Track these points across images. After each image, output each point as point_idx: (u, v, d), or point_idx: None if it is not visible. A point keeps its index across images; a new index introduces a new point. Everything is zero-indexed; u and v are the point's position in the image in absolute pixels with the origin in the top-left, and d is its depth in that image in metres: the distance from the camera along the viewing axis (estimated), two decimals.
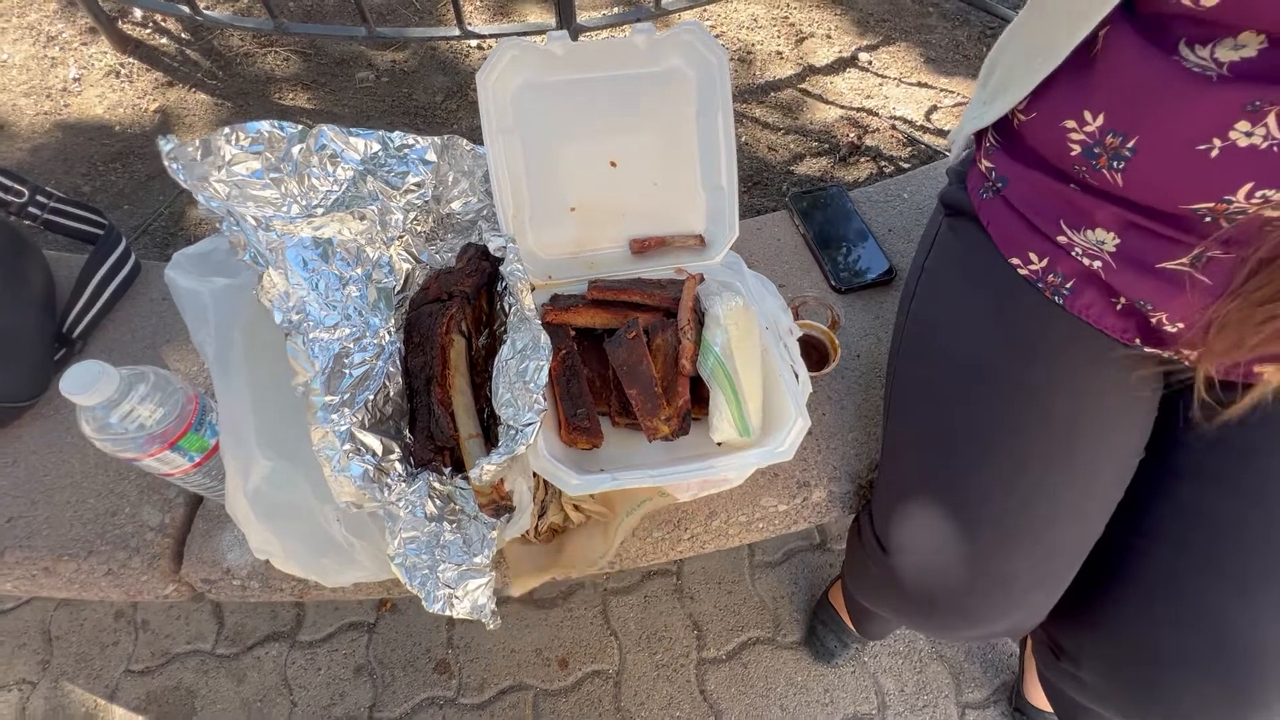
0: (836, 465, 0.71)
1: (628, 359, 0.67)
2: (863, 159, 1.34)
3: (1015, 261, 0.59)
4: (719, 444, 0.66)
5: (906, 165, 1.30)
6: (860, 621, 0.88)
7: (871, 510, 0.67)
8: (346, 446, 0.57)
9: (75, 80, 1.60)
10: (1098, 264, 0.54)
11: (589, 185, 0.75)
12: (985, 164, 0.62)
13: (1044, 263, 0.58)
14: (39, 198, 0.78)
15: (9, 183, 0.76)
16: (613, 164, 0.75)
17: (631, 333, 0.68)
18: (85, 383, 0.47)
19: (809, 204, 0.89)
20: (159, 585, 0.65)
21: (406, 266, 0.74)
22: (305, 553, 0.54)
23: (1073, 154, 0.52)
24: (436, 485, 0.64)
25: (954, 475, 0.58)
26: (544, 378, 0.61)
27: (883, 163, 1.32)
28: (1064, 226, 0.55)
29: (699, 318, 0.69)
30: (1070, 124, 0.51)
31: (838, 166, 1.35)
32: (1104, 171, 0.50)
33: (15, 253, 0.73)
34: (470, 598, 0.58)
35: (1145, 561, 0.58)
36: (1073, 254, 0.56)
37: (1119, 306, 0.55)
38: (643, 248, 0.78)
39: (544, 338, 0.63)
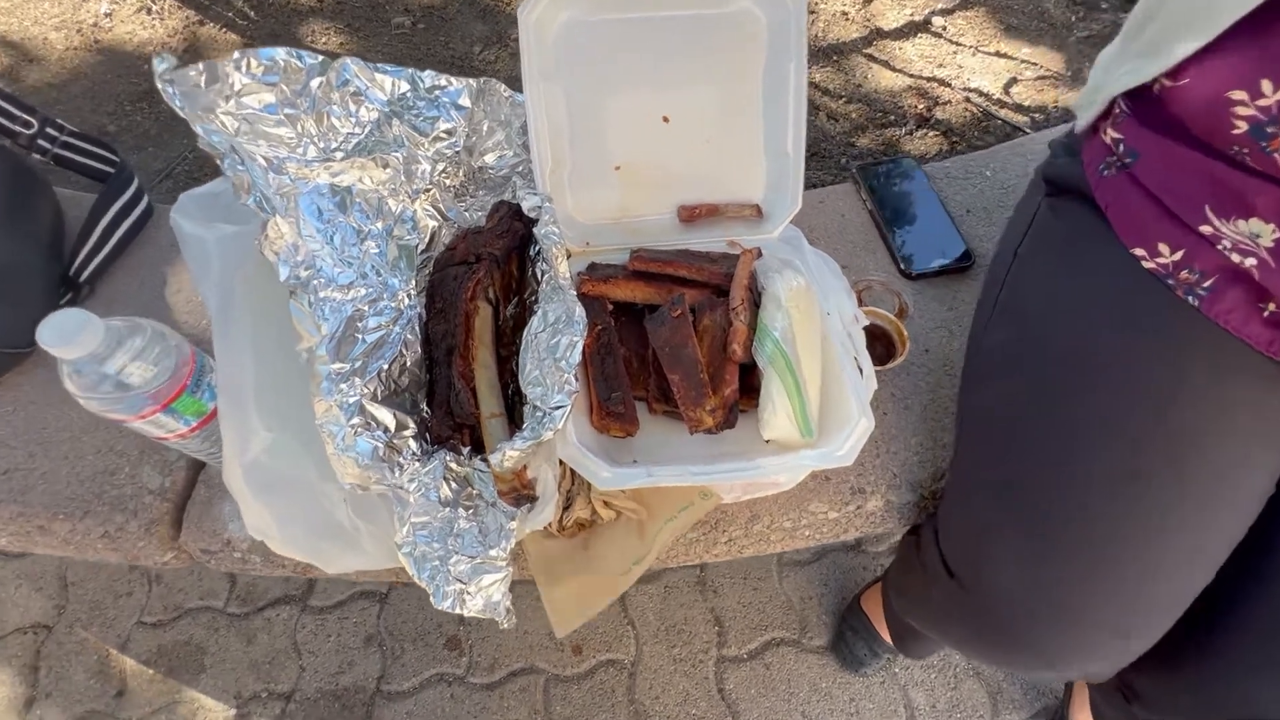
0: (896, 472, 0.63)
1: (671, 339, 0.59)
2: (931, 133, 1.23)
3: (1139, 253, 0.50)
4: (768, 441, 0.59)
5: (980, 143, 1.19)
6: (902, 639, 0.81)
7: (937, 526, 0.60)
8: (355, 420, 0.51)
9: (106, 16, 1.55)
10: (1250, 261, 0.45)
11: (637, 142, 0.67)
12: (1111, 134, 0.53)
13: (1178, 256, 0.48)
14: (49, 130, 0.73)
15: (17, 112, 0.71)
16: (665, 119, 0.67)
17: (676, 310, 0.60)
18: (66, 333, 0.42)
19: (878, 177, 0.80)
20: (156, 552, 0.60)
21: (432, 224, 0.67)
22: (304, 536, 0.49)
23: (1235, 132, 0.42)
24: (453, 466, 0.59)
25: (1044, 494, 0.50)
26: (577, 355, 0.54)
27: (954, 138, 1.20)
28: (1210, 214, 0.46)
29: (754, 297, 0.61)
30: (1239, 95, 0.41)
31: (904, 140, 1.23)
32: (1276, 155, 0.40)
33: (20, 185, 0.68)
34: (484, 594, 0.53)
35: (1257, 608, 0.50)
36: (1218, 247, 0.46)
37: (1267, 313, 0.46)
38: (692, 215, 0.70)
39: (579, 310, 0.56)
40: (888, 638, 0.97)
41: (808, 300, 0.60)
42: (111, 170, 0.74)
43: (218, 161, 0.46)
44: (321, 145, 0.59)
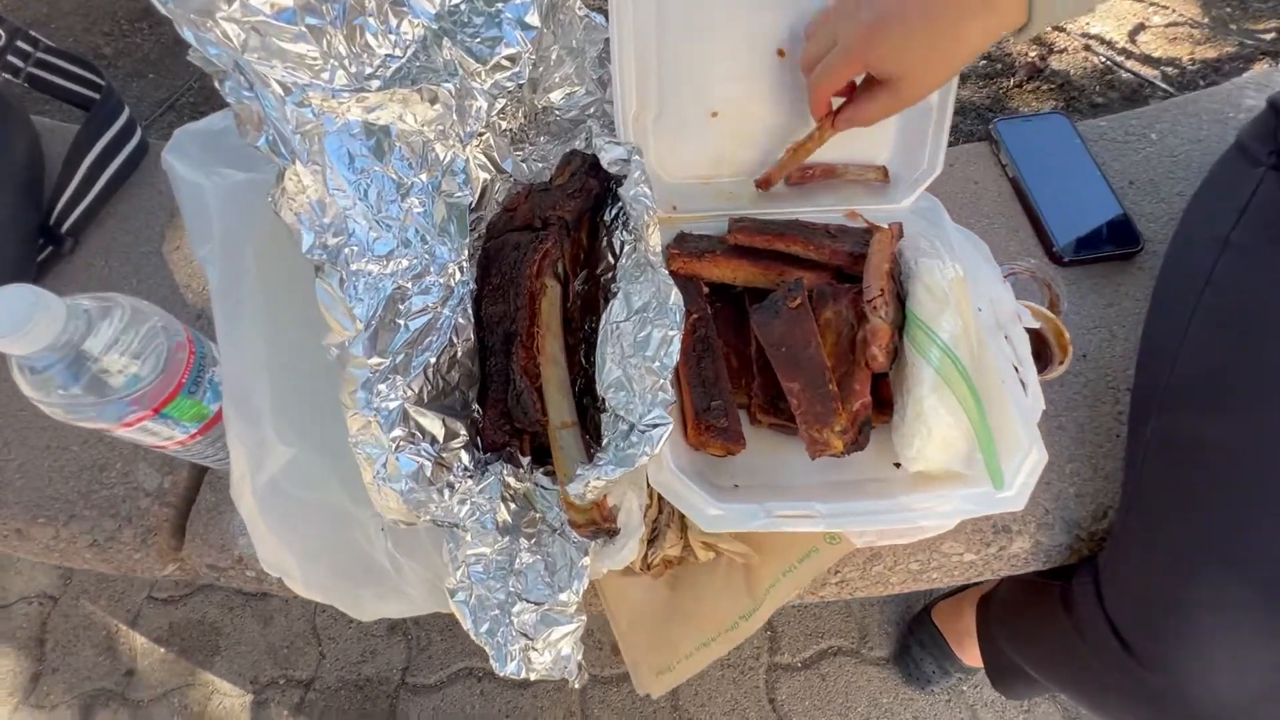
0: (1049, 507, 0.52)
1: (787, 337, 0.47)
2: (1044, 85, 1.06)
3: None
4: (896, 465, 0.48)
5: (1101, 100, 1.02)
6: (1005, 680, 0.71)
7: (1099, 579, 0.48)
8: (396, 433, 0.40)
9: None
10: None
11: (742, 80, 0.54)
12: None
13: None
14: (20, 44, 0.60)
15: None
16: (780, 53, 0.53)
17: (794, 299, 0.48)
18: (12, 318, 0.30)
19: (1023, 136, 0.65)
20: (154, 565, 0.51)
21: (485, 176, 0.54)
22: (332, 577, 0.39)
23: None
24: (512, 481, 0.48)
25: None
26: (675, 355, 0.42)
27: (1071, 93, 1.03)
28: None
29: (896, 288, 0.48)
30: None
31: (1012, 93, 1.07)
32: None
33: None
34: (552, 649, 0.43)
35: None
36: None
37: None
38: (804, 177, 0.57)
39: (675, 295, 0.44)
40: (963, 657, 0.88)
41: (961, 293, 0.47)
42: (96, 96, 0.61)
43: (216, 84, 0.34)
44: (353, 70, 0.45)
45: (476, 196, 0.54)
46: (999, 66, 1.10)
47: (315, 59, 0.44)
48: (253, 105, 0.35)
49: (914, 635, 0.95)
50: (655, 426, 0.40)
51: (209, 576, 0.51)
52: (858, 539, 0.46)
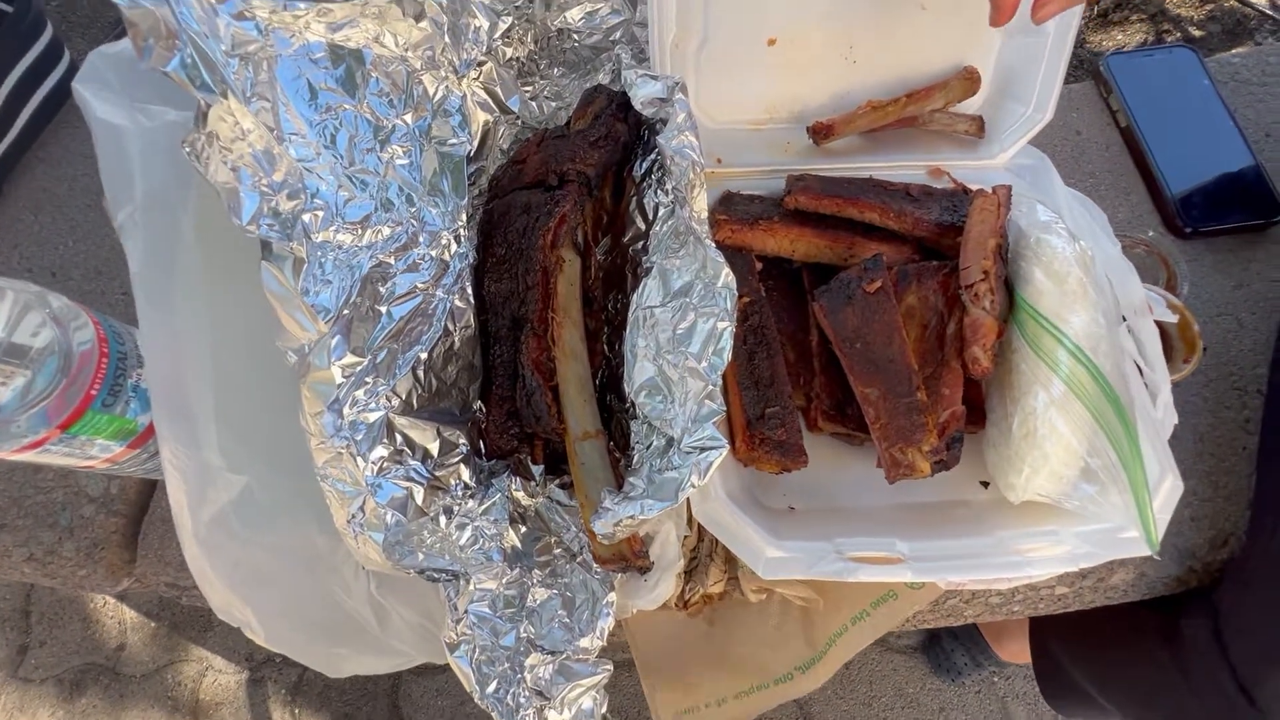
0: None
1: (863, 331, 0.38)
2: (1133, 16, 0.92)
3: None
4: (985, 483, 0.40)
5: (1198, 33, 0.88)
6: (1061, 698, 0.64)
7: (1221, 625, 0.41)
8: (378, 454, 0.32)
9: None
10: None
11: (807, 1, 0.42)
12: None
13: None
14: None
15: None
16: None
17: (873, 282, 0.39)
18: None
19: (1138, 75, 0.54)
20: (104, 582, 0.44)
21: (486, 117, 0.44)
22: (300, 631, 0.31)
23: None
24: (521, 497, 0.40)
25: None
26: (728, 353, 0.33)
27: (1163, 25, 0.90)
28: None
29: (1003, 269, 0.39)
30: None
31: (1094, 24, 0.93)
32: None
33: None
34: (571, 707, 0.35)
35: None
36: None
37: None
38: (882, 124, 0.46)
39: (726, 275, 0.35)
40: (1000, 652, 0.82)
41: (1090, 279, 0.38)
42: (9, 9, 0.50)
43: None
44: None
45: (476, 144, 0.44)
46: None
47: None
48: (157, 10, 0.25)
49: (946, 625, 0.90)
50: (704, 450, 0.32)
51: (169, 594, 0.44)
52: (944, 582, 0.38)
